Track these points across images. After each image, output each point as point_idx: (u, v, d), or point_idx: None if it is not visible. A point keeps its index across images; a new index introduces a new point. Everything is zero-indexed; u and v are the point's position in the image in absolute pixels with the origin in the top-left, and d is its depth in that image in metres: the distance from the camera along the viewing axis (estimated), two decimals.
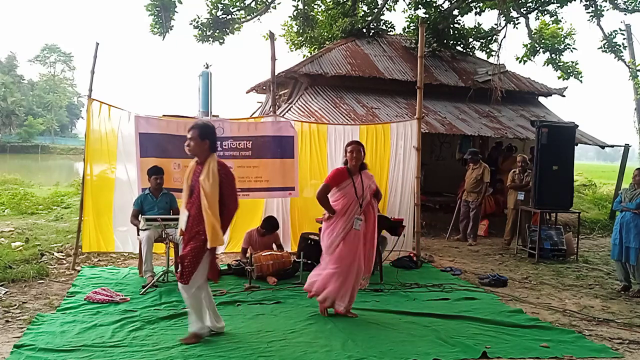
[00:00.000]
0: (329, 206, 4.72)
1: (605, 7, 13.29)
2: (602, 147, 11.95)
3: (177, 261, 4.01)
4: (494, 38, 14.11)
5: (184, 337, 4.09)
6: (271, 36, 7.37)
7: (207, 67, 12.87)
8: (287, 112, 10.25)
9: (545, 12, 13.92)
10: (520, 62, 13.99)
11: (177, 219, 5.78)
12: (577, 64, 13.67)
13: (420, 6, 14.11)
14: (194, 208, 3.98)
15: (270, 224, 6.48)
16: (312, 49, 15.59)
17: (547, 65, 13.76)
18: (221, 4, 14.20)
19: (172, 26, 13.50)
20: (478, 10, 13.94)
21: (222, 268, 6.41)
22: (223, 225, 4.00)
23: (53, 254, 6.88)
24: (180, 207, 4.06)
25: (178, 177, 6.52)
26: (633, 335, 4.66)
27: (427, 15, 13.45)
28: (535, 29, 13.80)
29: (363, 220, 4.75)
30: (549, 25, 13.98)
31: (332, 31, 14.72)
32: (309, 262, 5.99)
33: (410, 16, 14.94)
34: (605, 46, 13.66)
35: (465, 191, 9.36)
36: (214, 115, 11.81)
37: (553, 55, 13.62)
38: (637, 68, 15.34)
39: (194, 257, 3.96)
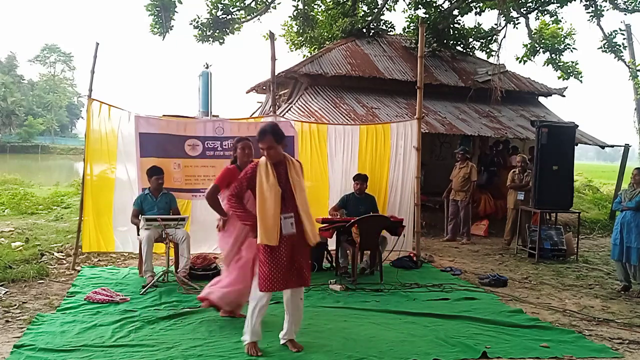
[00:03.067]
0: (219, 208, 4.38)
1: (605, 7, 13.31)
2: (602, 147, 11.95)
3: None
4: (494, 38, 14.11)
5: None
6: (271, 36, 7.37)
7: (207, 67, 12.88)
8: (287, 112, 10.25)
9: (545, 12, 13.92)
10: (520, 62, 14.02)
11: (177, 219, 5.80)
12: (577, 64, 13.69)
13: (420, 6, 14.12)
14: (293, 209, 3.85)
15: None
16: (312, 49, 15.59)
17: (547, 65, 13.77)
18: (221, 4, 14.21)
19: (172, 26, 13.52)
20: (478, 10, 13.93)
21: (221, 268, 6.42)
22: None
23: (53, 254, 6.88)
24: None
25: (178, 177, 6.52)
26: (633, 335, 4.66)
27: (427, 15, 13.45)
28: (535, 29, 13.80)
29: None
30: (549, 25, 13.99)
31: (332, 31, 14.72)
32: (309, 261, 5.95)
33: (410, 16, 14.96)
34: (605, 46, 13.66)
35: (453, 190, 9.31)
36: (214, 115, 11.81)
37: (553, 55, 13.62)
38: (637, 68, 15.35)
39: None
